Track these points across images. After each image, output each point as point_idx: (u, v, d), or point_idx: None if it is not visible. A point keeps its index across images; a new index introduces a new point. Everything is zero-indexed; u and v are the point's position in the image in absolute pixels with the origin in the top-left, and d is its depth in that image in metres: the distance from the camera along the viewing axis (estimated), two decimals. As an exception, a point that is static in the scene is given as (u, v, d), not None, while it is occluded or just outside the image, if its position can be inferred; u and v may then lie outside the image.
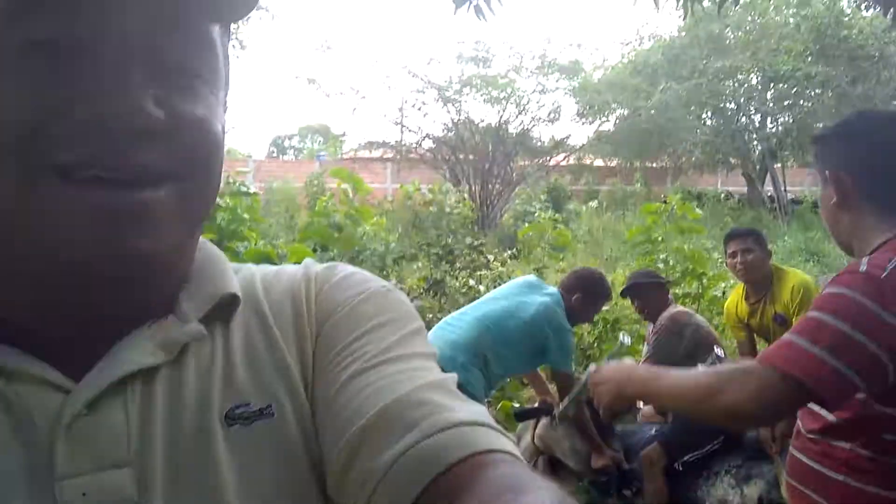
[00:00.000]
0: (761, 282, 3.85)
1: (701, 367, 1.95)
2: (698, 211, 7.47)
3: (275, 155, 42.68)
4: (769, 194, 21.23)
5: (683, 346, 3.87)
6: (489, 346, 3.55)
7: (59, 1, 0.53)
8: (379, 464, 0.55)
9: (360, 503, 0.56)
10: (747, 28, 20.32)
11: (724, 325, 5.42)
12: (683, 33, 21.51)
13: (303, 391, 0.65)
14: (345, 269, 0.73)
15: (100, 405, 0.56)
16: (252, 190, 5.58)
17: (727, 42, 20.56)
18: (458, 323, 3.66)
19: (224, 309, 0.65)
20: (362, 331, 0.66)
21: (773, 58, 18.01)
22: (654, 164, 24.31)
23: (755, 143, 21.62)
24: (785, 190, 20.60)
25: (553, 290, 3.82)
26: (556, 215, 8.71)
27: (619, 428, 4.05)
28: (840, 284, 1.42)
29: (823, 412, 1.51)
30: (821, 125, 20.17)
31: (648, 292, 4.16)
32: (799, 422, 1.63)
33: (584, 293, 3.78)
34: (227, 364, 0.63)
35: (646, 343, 4.29)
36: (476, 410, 0.59)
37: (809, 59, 16.33)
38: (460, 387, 2.25)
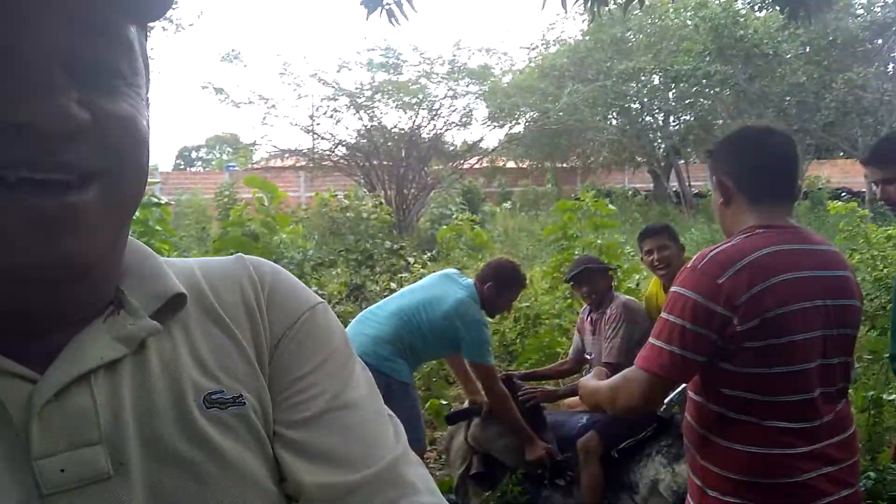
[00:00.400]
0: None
1: None
2: (611, 207, 7.67)
3: (182, 167, 41.68)
4: (674, 189, 22.01)
5: (639, 332, 3.91)
6: (407, 338, 3.61)
7: None
8: None
9: None
10: (648, 31, 21.02)
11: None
12: (588, 37, 22.10)
13: (266, 390, 0.70)
14: (277, 272, 0.77)
15: (67, 394, 0.59)
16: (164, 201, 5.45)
17: (630, 44, 21.22)
18: (375, 318, 3.71)
19: (173, 306, 0.68)
20: (316, 362, 0.72)
21: (674, 58, 18.67)
22: (565, 165, 24.87)
23: (659, 141, 22.36)
24: (689, 185, 21.37)
25: (468, 282, 3.85)
26: (473, 217, 8.78)
27: (549, 418, 4.11)
28: (678, 284, 1.80)
29: None
30: (720, 122, 21.07)
31: (597, 278, 4.14)
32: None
33: (497, 282, 3.81)
34: (194, 355, 0.68)
35: (585, 331, 4.26)
36: (433, 490, 0.70)
37: (708, 58, 16.96)
38: (389, 377, 2.33)
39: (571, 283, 4.26)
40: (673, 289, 1.81)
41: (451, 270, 4.10)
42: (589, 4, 5.38)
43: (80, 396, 0.60)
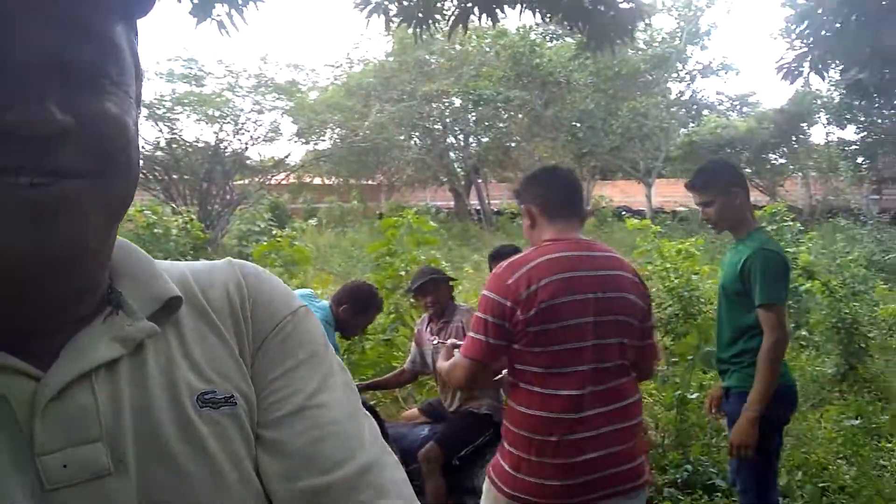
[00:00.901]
0: None
1: None
2: (433, 223, 7.89)
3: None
4: (475, 207, 22.90)
5: None
6: None
7: None
8: None
9: None
10: (450, 55, 21.80)
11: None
12: (392, 58, 22.53)
13: (252, 391, 0.72)
14: (261, 276, 0.79)
15: (69, 392, 0.61)
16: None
17: (432, 67, 21.89)
18: None
19: (169, 309, 0.70)
20: (294, 363, 0.74)
21: (475, 82, 19.47)
22: (370, 182, 25.12)
23: (460, 160, 23.20)
24: (489, 202, 22.34)
25: (324, 303, 3.86)
26: (289, 233, 8.66)
27: (391, 430, 4.18)
28: (485, 288, 2.31)
29: None
30: (513, 144, 22.24)
31: (441, 288, 4.22)
32: None
33: (353, 304, 3.85)
34: (188, 356, 0.69)
35: (423, 341, 4.33)
36: (405, 495, 0.71)
37: (507, 84, 17.87)
38: None
39: (415, 293, 4.33)
40: (482, 292, 2.31)
41: (305, 291, 4.07)
42: (413, 27, 5.55)
43: (82, 395, 0.61)
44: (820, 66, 5.65)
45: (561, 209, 2.38)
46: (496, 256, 4.21)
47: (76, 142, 0.57)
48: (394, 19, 5.42)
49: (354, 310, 3.83)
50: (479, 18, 5.30)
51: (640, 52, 18.36)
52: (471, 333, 2.31)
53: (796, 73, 5.85)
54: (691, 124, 21.37)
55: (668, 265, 7.61)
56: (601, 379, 2.22)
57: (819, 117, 22.20)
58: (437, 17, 5.46)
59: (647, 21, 5.89)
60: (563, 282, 2.20)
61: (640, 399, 2.36)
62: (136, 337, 0.66)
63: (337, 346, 3.74)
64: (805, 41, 5.77)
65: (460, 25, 5.32)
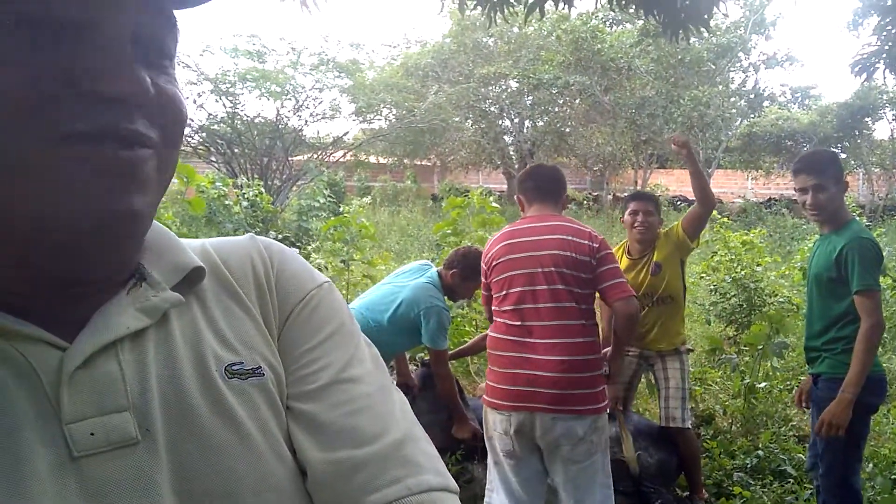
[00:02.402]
0: (651, 241, 4.06)
1: None
2: (495, 205, 7.97)
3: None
4: (529, 192, 22.82)
5: None
6: (366, 330, 3.61)
7: None
8: (370, 501, 0.66)
9: None
10: (508, 38, 21.73)
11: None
12: (449, 39, 22.54)
13: (280, 363, 0.73)
14: (286, 252, 0.80)
15: (95, 361, 0.62)
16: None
17: (490, 50, 21.85)
18: (350, 306, 3.76)
19: (192, 280, 0.71)
20: (323, 335, 0.75)
21: (533, 66, 19.38)
22: (424, 162, 25.20)
23: (515, 143, 23.16)
24: (543, 188, 22.24)
25: (433, 271, 3.93)
26: (357, 210, 8.81)
27: (471, 402, 4.30)
28: None
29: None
30: (570, 129, 22.11)
31: None
32: None
33: (462, 270, 3.88)
34: (213, 327, 0.71)
35: None
36: (439, 470, 0.72)
37: (567, 68, 17.77)
38: None
39: None
40: None
41: (423, 262, 4.15)
42: (486, 10, 5.58)
43: (108, 364, 0.62)
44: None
45: (536, 196, 3.09)
46: (636, 197, 4.25)
47: (149, 114, 0.59)
48: (468, 2, 5.45)
49: (463, 275, 3.89)
50: (556, 4, 5.31)
51: (703, 41, 18.12)
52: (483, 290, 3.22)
53: (871, 69, 5.78)
54: (752, 115, 21.05)
55: (733, 256, 7.59)
56: (539, 316, 2.89)
57: (884, 112, 21.70)
58: (513, 1, 5.48)
59: (724, 11, 5.86)
60: (506, 246, 3.00)
61: (592, 341, 2.91)
62: (161, 307, 0.67)
63: (446, 307, 3.81)
64: (880, 36, 5.69)
65: (536, 10, 5.34)
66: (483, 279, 3.14)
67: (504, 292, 2.98)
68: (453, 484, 0.72)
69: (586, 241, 2.91)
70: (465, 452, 3.99)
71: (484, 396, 3.05)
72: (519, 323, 2.91)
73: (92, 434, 0.59)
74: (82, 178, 0.56)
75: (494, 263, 3.01)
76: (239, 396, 0.67)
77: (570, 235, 2.92)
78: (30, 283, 0.61)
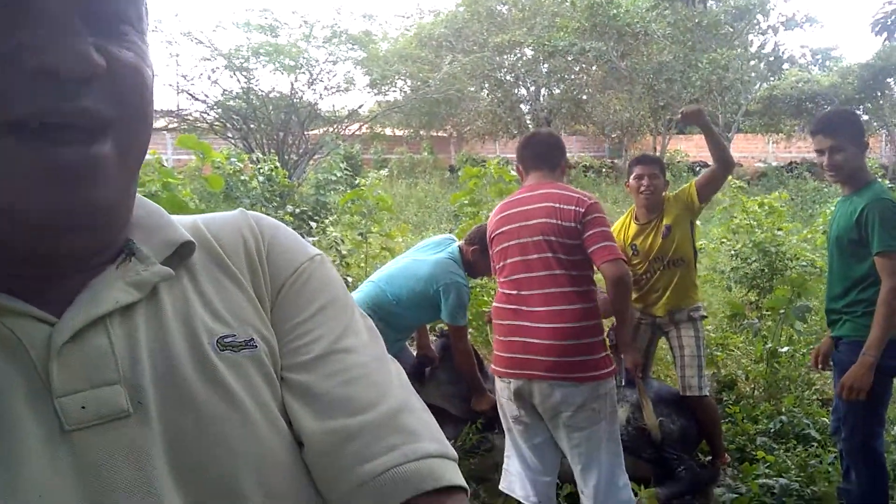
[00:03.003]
0: (657, 204, 4.00)
1: None
2: (513, 172, 7.91)
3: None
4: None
5: None
6: (382, 304, 3.65)
7: None
8: (366, 469, 0.66)
9: (342, 486, 0.67)
10: (522, 5, 21.48)
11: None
12: (463, 8, 22.31)
13: (273, 335, 0.73)
14: (277, 226, 0.80)
15: (84, 335, 0.62)
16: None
17: (504, 17, 21.62)
18: (366, 282, 3.83)
19: (182, 255, 0.71)
20: (316, 307, 0.75)
21: (549, 33, 19.16)
22: (440, 134, 25.09)
23: (532, 112, 22.98)
24: (560, 156, 22.07)
25: (455, 246, 3.90)
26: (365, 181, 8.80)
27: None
28: None
29: None
30: (587, 96, 21.90)
31: None
32: None
33: (483, 246, 3.84)
34: (204, 300, 0.70)
35: None
36: (437, 438, 0.70)
37: (583, 35, 17.54)
38: None
39: None
40: None
41: (445, 236, 4.12)
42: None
43: (98, 338, 0.62)
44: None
45: (533, 163, 3.08)
46: (640, 161, 4.19)
47: (104, 87, 0.58)
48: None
49: (483, 251, 3.87)
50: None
51: (721, 3, 17.84)
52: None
53: (893, 28, 5.66)
54: (772, 78, 20.72)
55: (753, 221, 7.51)
56: (532, 285, 2.91)
57: (906, 72, 21.30)
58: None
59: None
60: (503, 218, 3.04)
61: (587, 307, 2.87)
62: (150, 280, 0.67)
63: (466, 283, 3.78)
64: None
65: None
66: (490, 252, 3.18)
67: (502, 263, 3.02)
68: (451, 451, 0.71)
69: (572, 207, 2.89)
70: (485, 422, 4.01)
71: (492, 365, 3.11)
72: (515, 292, 2.95)
73: (83, 407, 0.59)
74: (38, 177, 0.56)
75: (493, 236, 3.07)
76: (232, 368, 0.67)
77: (557, 203, 2.91)
78: (11, 262, 0.61)
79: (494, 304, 3.10)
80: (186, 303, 0.69)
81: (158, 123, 17.44)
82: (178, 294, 0.69)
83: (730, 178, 9.02)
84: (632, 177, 4.04)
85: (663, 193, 4.00)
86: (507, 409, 3.05)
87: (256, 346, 0.70)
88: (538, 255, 2.91)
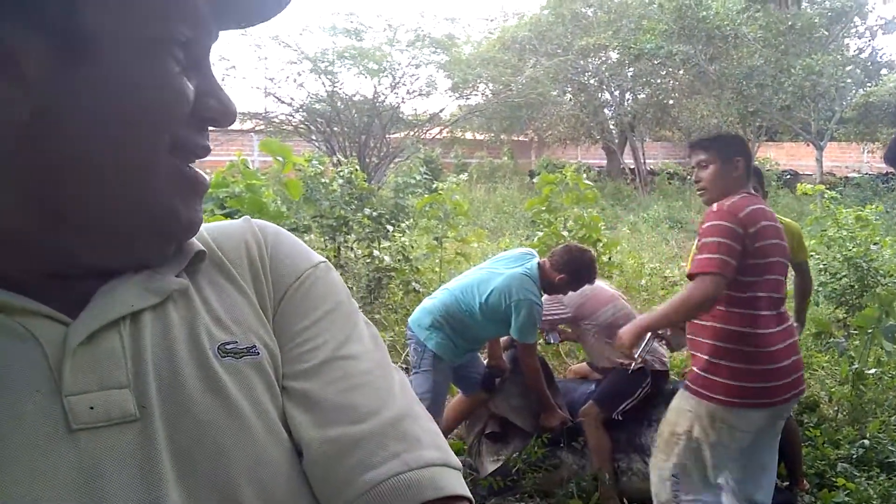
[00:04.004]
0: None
1: None
2: (588, 182, 7.79)
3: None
4: (630, 167, 22.29)
5: None
6: (454, 313, 3.63)
7: (187, 9, 0.64)
8: (366, 478, 0.65)
9: (342, 495, 0.66)
10: (607, 7, 21.15)
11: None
12: (547, 11, 22.12)
13: (275, 343, 0.73)
14: (280, 233, 0.81)
15: (98, 337, 0.63)
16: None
17: (589, 20, 21.33)
18: (442, 288, 3.83)
19: (194, 264, 0.72)
20: (319, 314, 0.75)
21: (634, 36, 18.81)
22: (521, 138, 24.95)
23: (615, 117, 22.60)
24: (644, 162, 21.69)
25: (534, 262, 3.82)
26: (453, 186, 8.81)
27: (560, 385, 4.26)
28: (715, 218, 2.81)
29: None
30: (673, 101, 21.41)
31: None
32: None
33: (570, 273, 3.77)
34: (208, 308, 0.71)
35: None
36: (440, 445, 0.70)
37: (671, 38, 17.15)
38: (424, 345, 3.58)
39: None
40: (711, 222, 2.84)
41: (526, 249, 4.08)
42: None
43: (111, 341, 0.63)
44: None
45: (749, 170, 3.04)
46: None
47: None
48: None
49: (570, 278, 3.77)
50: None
51: (816, 6, 17.16)
52: (705, 255, 2.75)
53: None
54: (868, 84, 19.79)
55: (845, 233, 7.18)
56: (778, 305, 2.90)
57: None
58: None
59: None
60: (771, 227, 2.86)
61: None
62: (167, 289, 0.68)
63: (539, 301, 3.69)
64: None
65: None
66: (737, 245, 2.74)
67: (762, 278, 2.83)
68: (454, 460, 0.70)
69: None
70: (551, 436, 3.95)
71: (731, 399, 2.81)
72: (773, 312, 2.88)
73: (91, 408, 0.60)
74: (174, 187, 0.66)
75: (759, 244, 2.80)
76: (232, 375, 0.68)
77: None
78: (29, 262, 0.64)
79: (750, 329, 2.81)
80: (191, 309, 0.70)
81: (245, 125, 17.94)
82: (183, 301, 0.70)
83: (822, 187, 8.67)
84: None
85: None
86: (740, 440, 2.87)
87: (259, 354, 0.70)
88: (783, 277, 2.99)
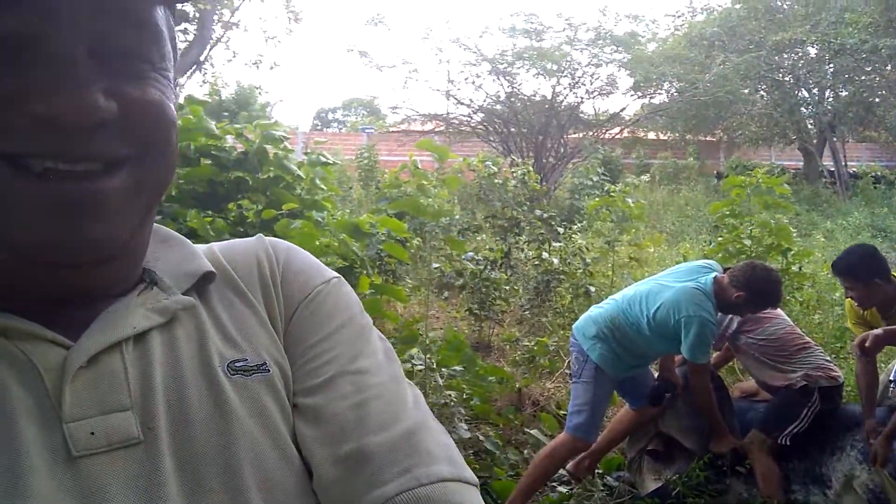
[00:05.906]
0: (882, 305, 3.64)
1: None
2: (786, 186, 7.19)
3: (319, 128, 42.75)
4: (829, 169, 20.69)
5: None
6: (620, 325, 3.43)
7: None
8: (376, 495, 0.62)
9: None
10: (805, 1, 19.80)
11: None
12: (739, 5, 21.03)
13: (286, 360, 0.71)
14: (293, 249, 0.79)
15: (99, 360, 0.61)
16: (329, 160, 5.45)
17: (784, 14, 20.06)
18: (611, 298, 3.67)
19: (203, 284, 0.71)
20: (330, 329, 0.73)
21: (835, 30, 17.48)
22: (708, 138, 23.88)
23: (813, 116, 21.10)
24: (845, 164, 20.06)
25: (710, 277, 3.53)
26: (624, 189, 8.48)
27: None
28: None
29: None
30: (878, 99, 19.67)
31: None
32: None
33: (750, 292, 3.45)
34: (218, 326, 0.69)
35: None
36: (454, 460, 0.67)
37: (876, 31, 15.74)
38: (586, 356, 3.39)
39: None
40: None
41: (707, 262, 3.80)
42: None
43: (112, 364, 0.62)
44: None
45: None
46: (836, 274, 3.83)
47: (117, 129, 0.57)
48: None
49: (750, 298, 3.44)
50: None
51: None
52: None
53: None
54: None
55: None
56: None
57: None
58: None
59: None
60: None
61: None
62: (172, 308, 0.67)
63: (712, 319, 3.38)
64: None
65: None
66: None
67: None
68: (470, 475, 0.67)
69: None
70: (715, 459, 3.65)
71: None
72: None
73: (92, 433, 0.59)
74: (38, 212, 0.56)
75: None
76: (241, 393, 0.66)
77: None
78: (27, 286, 0.62)
79: None
80: (200, 328, 0.69)
81: (426, 126, 18.36)
82: (192, 320, 0.69)
83: None
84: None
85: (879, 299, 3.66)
86: None
87: (269, 371, 0.69)
88: None
